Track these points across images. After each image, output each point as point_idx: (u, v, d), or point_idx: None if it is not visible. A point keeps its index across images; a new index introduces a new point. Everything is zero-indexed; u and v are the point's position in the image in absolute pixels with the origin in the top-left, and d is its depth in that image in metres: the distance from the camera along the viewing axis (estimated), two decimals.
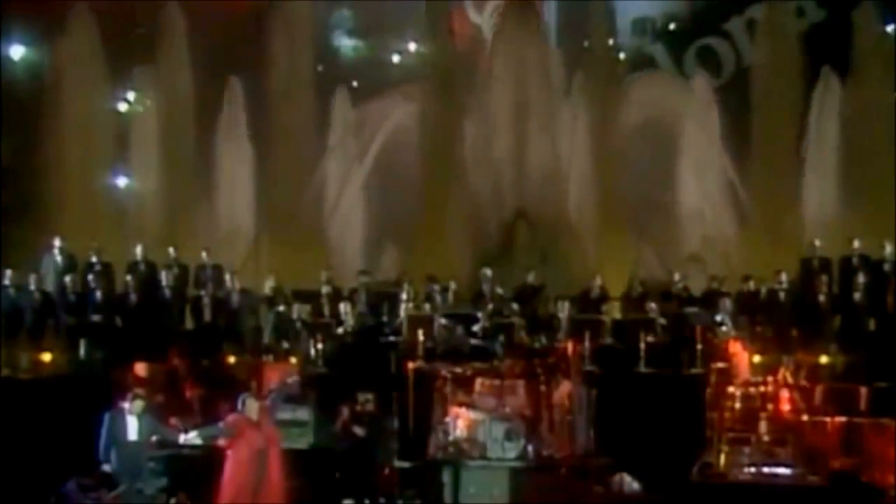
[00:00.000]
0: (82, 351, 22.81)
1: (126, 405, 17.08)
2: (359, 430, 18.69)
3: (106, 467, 16.98)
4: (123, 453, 16.90)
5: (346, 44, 33.02)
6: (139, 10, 29.12)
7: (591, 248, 27.78)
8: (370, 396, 18.88)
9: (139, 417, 16.96)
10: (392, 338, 22.24)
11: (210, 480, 17.07)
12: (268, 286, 23.82)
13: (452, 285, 23.68)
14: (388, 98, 29.93)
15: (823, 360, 21.49)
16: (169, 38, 29.01)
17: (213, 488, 16.95)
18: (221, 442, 16.57)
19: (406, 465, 18.82)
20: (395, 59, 32.49)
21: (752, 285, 23.36)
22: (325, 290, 23.41)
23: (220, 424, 16.75)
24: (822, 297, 22.71)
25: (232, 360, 22.34)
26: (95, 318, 23.03)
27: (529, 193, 28.41)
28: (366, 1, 32.99)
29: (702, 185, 28.90)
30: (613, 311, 23.66)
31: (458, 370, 19.14)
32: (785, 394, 18.84)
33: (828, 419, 18.76)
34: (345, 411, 19.01)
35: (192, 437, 16.99)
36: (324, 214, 29.07)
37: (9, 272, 23.16)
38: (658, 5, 33.77)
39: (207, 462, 17.02)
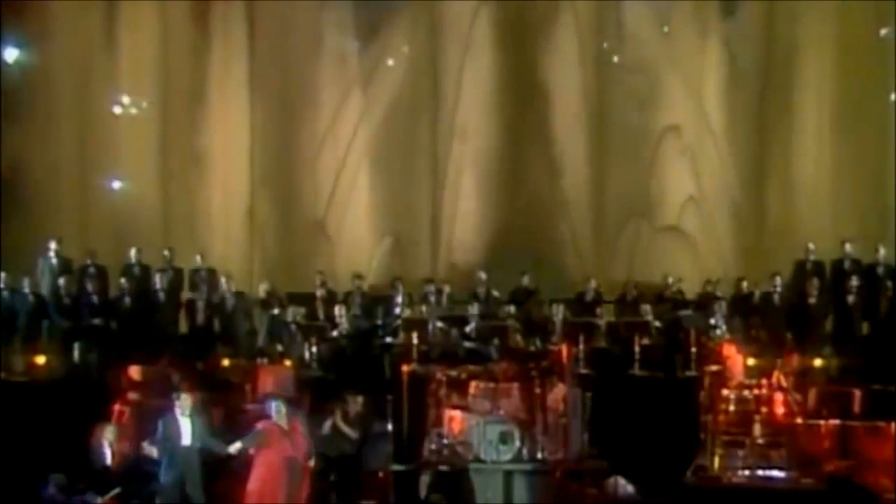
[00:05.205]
0: (77, 354, 22.87)
1: (176, 407, 16.97)
2: (349, 432, 18.65)
3: (167, 476, 16.84)
4: (178, 457, 16.78)
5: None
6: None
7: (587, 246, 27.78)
8: (359, 399, 18.85)
9: (191, 418, 16.89)
10: (388, 339, 22.26)
11: (215, 481, 17.15)
12: (262, 289, 23.82)
13: (447, 288, 23.69)
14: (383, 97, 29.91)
15: (818, 362, 21.53)
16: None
17: (216, 489, 17.01)
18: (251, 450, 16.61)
19: (400, 468, 18.81)
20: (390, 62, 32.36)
21: (745, 287, 23.41)
22: (319, 292, 23.42)
23: (255, 429, 16.72)
24: (815, 301, 22.75)
25: (226, 362, 22.34)
26: (90, 321, 23.05)
27: (524, 194, 28.39)
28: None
29: (697, 181, 28.92)
30: (608, 314, 23.66)
31: (453, 373, 19.13)
32: (779, 397, 18.78)
33: (822, 422, 18.73)
34: (336, 413, 18.99)
35: (234, 449, 16.89)
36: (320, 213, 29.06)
37: (3, 275, 23.21)
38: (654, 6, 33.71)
39: (214, 464, 17.09)
